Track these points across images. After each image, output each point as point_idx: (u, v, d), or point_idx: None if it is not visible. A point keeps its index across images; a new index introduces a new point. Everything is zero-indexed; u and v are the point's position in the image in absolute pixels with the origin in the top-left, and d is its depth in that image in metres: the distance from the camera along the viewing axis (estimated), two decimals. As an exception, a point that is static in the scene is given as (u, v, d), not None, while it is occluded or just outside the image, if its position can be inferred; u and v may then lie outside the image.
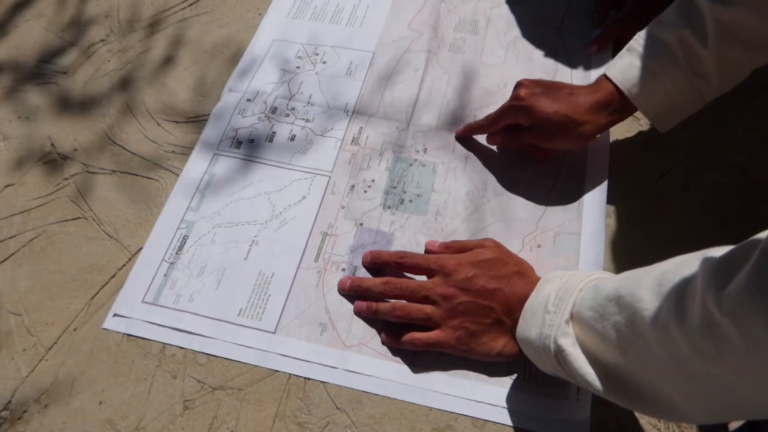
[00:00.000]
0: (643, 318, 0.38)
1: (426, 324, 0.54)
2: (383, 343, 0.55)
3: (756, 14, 0.52)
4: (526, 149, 0.65)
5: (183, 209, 0.64)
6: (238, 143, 0.69)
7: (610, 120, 0.60)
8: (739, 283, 0.31)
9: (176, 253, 0.61)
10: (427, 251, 0.60)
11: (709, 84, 0.57)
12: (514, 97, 0.62)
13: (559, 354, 0.44)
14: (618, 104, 0.59)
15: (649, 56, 0.58)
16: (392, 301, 0.56)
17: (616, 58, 0.61)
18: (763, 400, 0.34)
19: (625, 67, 0.59)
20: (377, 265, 0.59)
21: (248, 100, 0.73)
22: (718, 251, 0.36)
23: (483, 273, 0.53)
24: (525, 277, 0.53)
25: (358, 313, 0.57)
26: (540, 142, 0.63)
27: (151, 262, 0.61)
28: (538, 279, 0.53)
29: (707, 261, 0.35)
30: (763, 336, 0.30)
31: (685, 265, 0.37)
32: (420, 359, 0.54)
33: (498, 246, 0.56)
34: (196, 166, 0.67)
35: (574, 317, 0.45)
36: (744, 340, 0.31)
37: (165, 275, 0.60)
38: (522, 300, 0.50)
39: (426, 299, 0.54)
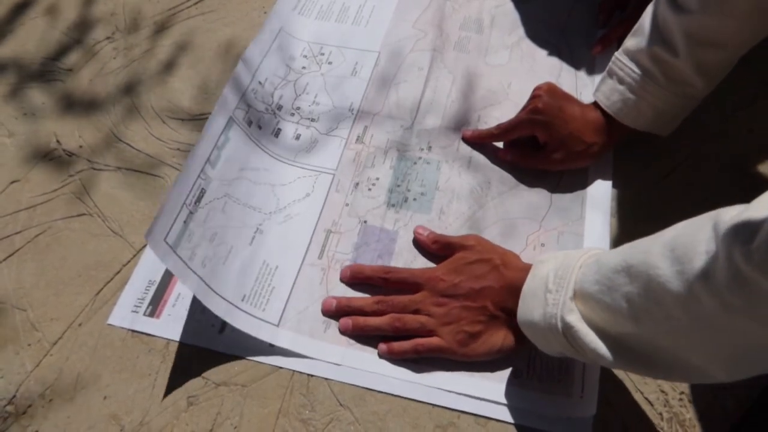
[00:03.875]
0: (661, 284, 0.38)
1: (424, 333, 0.54)
2: (381, 354, 0.55)
3: (715, 17, 0.52)
4: (529, 164, 0.65)
5: (203, 160, 0.60)
6: (249, 120, 0.67)
7: (615, 139, 0.62)
8: (765, 235, 0.31)
9: (195, 202, 0.58)
10: (416, 239, 0.61)
11: (694, 87, 0.57)
12: (533, 109, 0.62)
13: (568, 331, 0.44)
14: (617, 124, 0.61)
15: (628, 78, 0.59)
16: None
17: (600, 81, 0.62)
18: None
19: (609, 91, 0.61)
20: (359, 280, 0.59)
21: (259, 82, 0.71)
22: (728, 211, 0.35)
23: (468, 276, 0.54)
24: (511, 267, 0.54)
25: (344, 332, 0.56)
26: (553, 166, 0.63)
27: (174, 204, 0.56)
28: (526, 265, 0.54)
29: (723, 220, 0.35)
30: None
31: (695, 227, 0.37)
32: (423, 356, 0.54)
33: (480, 242, 0.57)
34: (216, 125, 0.63)
35: (577, 293, 0.45)
36: None
37: (185, 222, 0.56)
38: (513, 289, 0.51)
39: (418, 312, 0.54)
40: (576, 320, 0.44)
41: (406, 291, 0.56)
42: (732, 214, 0.35)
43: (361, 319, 0.56)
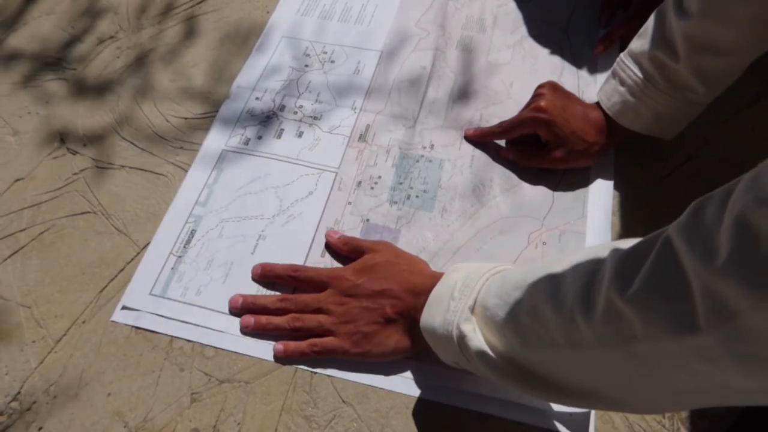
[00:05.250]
0: (547, 305, 0.38)
1: (322, 332, 0.54)
2: (278, 354, 0.55)
3: (717, 23, 0.52)
4: (530, 164, 0.65)
5: (191, 203, 0.65)
6: (246, 140, 0.70)
7: (616, 139, 0.63)
8: (638, 283, 0.32)
9: (184, 246, 0.62)
10: (327, 242, 0.61)
11: (695, 93, 0.57)
12: (535, 108, 0.62)
13: (461, 340, 0.44)
14: (618, 125, 0.61)
15: (629, 80, 0.59)
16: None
17: (604, 81, 0.63)
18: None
19: (610, 92, 0.61)
20: (269, 278, 0.59)
21: (257, 98, 0.73)
22: (626, 243, 0.36)
23: (371, 277, 0.54)
24: (416, 272, 0.54)
25: (244, 328, 0.56)
26: (554, 165, 0.63)
27: (159, 255, 0.61)
28: (434, 272, 0.55)
29: (614, 255, 0.35)
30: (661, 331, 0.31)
31: (593, 255, 0.38)
32: (424, 355, 0.54)
33: (389, 248, 0.57)
34: (205, 161, 0.68)
35: (477, 305, 0.45)
36: (644, 332, 0.32)
37: (173, 268, 0.60)
38: (415, 293, 0.52)
39: (319, 311, 0.55)
40: (470, 330, 0.44)
41: (314, 290, 0.57)
42: (624, 249, 0.35)
43: (263, 318, 0.56)
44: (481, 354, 0.43)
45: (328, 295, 0.55)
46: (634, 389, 0.37)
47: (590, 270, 0.37)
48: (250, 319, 0.56)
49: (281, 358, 0.55)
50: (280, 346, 0.55)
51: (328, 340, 0.54)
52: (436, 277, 0.51)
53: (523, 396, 0.52)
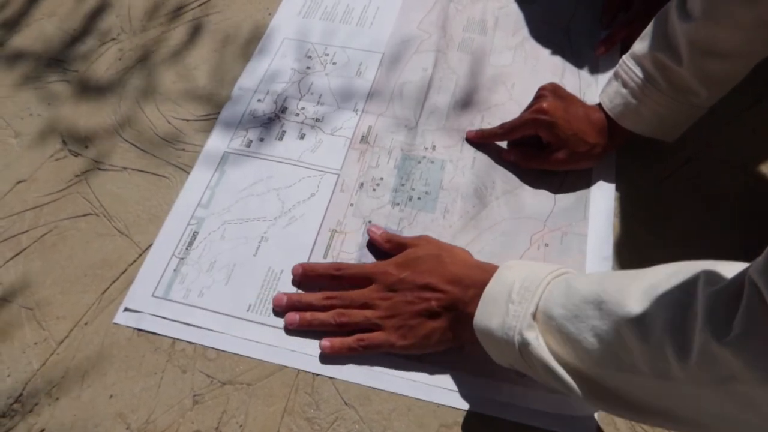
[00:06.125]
0: (632, 332, 0.37)
1: (368, 327, 0.54)
2: (324, 351, 0.54)
3: (720, 26, 0.52)
4: (532, 165, 0.65)
5: (193, 205, 0.65)
6: (248, 142, 0.70)
7: (618, 141, 0.63)
8: (737, 328, 0.31)
9: (186, 248, 0.62)
10: (370, 238, 0.61)
11: (698, 96, 0.57)
12: (537, 109, 0.62)
13: (524, 347, 0.44)
14: (619, 127, 0.61)
15: (632, 82, 0.59)
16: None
17: (606, 83, 0.63)
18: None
19: (612, 94, 0.61)
20: (310, 278, 0.59)
21: (258, 100, 0.73)
22: (714, 267, 0.35)
23: (414, 271, 0.54)
24: (459, 264, 0.54)
25: (289, 325, 0.56)
26: (556, 166, 0.63)
27: (161, 257, 0.61)
28: (477, 261, 0.55)
29: (704, 292, 0.34)
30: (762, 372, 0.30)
31: (679, 282, 0.36)
32: (428, 356, 0.54)
33: (429, 241, 0.57)
34: (207, 163, 0.68)
35: (539, 311, 0.44)
36: (746, 374, 0.31)
37: (175, 270, 0.60)
38: (460, 284, 0.51)
39: (365, 306, 0.55)
40: (533, 338, 0.43)
41: (357, 287, 0.56)
42: (712, 289, 0.34)
43: (308, 314, 0.56)
44: (546, 364, 0.43)
45: (373, 290, 0.55)
46: (724, 419, 0.35)
47: (677, 302, 0.35)
48: (294, 316, 0.56)
49: (328, 355, 0.54)
50: (326, 342, 0.54)
51: (375, 335, 0.53)
52: (483, 269, 0.51)
53: (525, 398, 0.52)
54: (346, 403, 0.53)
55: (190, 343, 0.56)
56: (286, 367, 0.55)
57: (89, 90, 0.77)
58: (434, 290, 0.53)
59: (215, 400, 0.53)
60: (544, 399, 0.52)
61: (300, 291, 0.59)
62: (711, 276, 0.35)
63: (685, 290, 0.36)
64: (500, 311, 0.45)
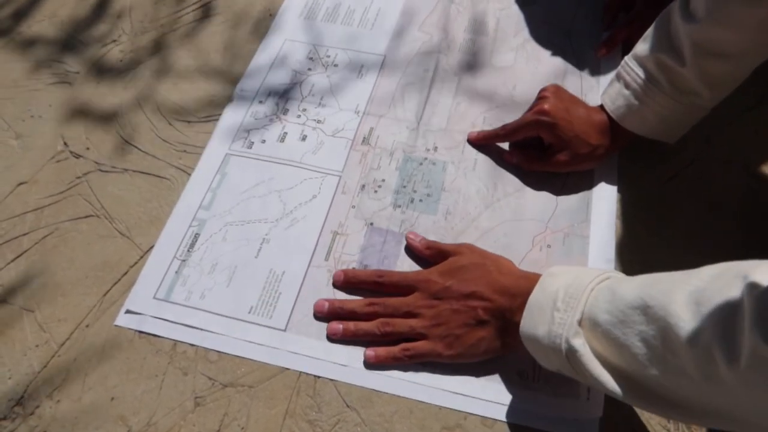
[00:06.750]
0: (679, 336, 0.37)
1: (413, 336, 0.54)
2: (369, 361, 0.54)
3: (723, 27, 0.52)
4: (534, 167, 0.65)
5: (195, 207, 0.65)
6: (250, 143, 0.70)
7: (620, 142, 0.62)
8: None
9: (188, 250, 0.62)
10: (408, 244, 0.60)
11: (700, 97, 0.57)
12: (539, 110, 0.62)
13: (572, 354, 0.44)
14: (622, 128, 0.61)
15: (634, 83, 0.59)
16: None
17: (608, 84, 0.62)
18: None
19: (615, 95, 0.61)
20: (352, 285, 0.58)
21: (260, 102, 0.73)
22: (758, 267, 0.34)
23: (459, 279, 0.54)
24: (505, 273, 0.54)
25: (332, 335, 0.56)
26: (558, 168, 0.63)
27: (162, 259, 0.61)
28: (522, 272, 0.54)
29: (751, 293, 0.34)
30: None
31: (724, 284, 0.36)
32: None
33: (473, 250, 0.57)
34: (209, 165, 0.68)
35: (585, 318, 0.44)
36: None
37: (176, 272, 0.60)
38: (506, 294, 0.51)
39: (409, 314, 0.54)
40: (580, 345, 0.43)
41: (400, 295, 0.56)
42: (763, 287, 0.33)
43: (352, 325, 0.55)
44: (594, 369, 0.43)
45: (417, 298, 0.55)
46: None
47: (724, 305, 0.35)
48: (338, 326, 0.55)
49: (373, 364, 0.54)
50: (371, 352, 0.54)
51: (421, 344, 0.53)
52: (529, 278, 0.51)
53: (528, 401, 0.52)
54: (347, 406, 0.53)
55: (192, 345, 0.56)
56: (288, 369, 0.55)
57: (91, 92, 0.77)
58: (481, 299, 0.52)
59: (216, 403, 0.53)
60: (546, 401, 0.52)
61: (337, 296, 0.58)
62: (756, 276, 0.34)
63: (730, 293, 0.35)
64: (546, 319, 0.46)
